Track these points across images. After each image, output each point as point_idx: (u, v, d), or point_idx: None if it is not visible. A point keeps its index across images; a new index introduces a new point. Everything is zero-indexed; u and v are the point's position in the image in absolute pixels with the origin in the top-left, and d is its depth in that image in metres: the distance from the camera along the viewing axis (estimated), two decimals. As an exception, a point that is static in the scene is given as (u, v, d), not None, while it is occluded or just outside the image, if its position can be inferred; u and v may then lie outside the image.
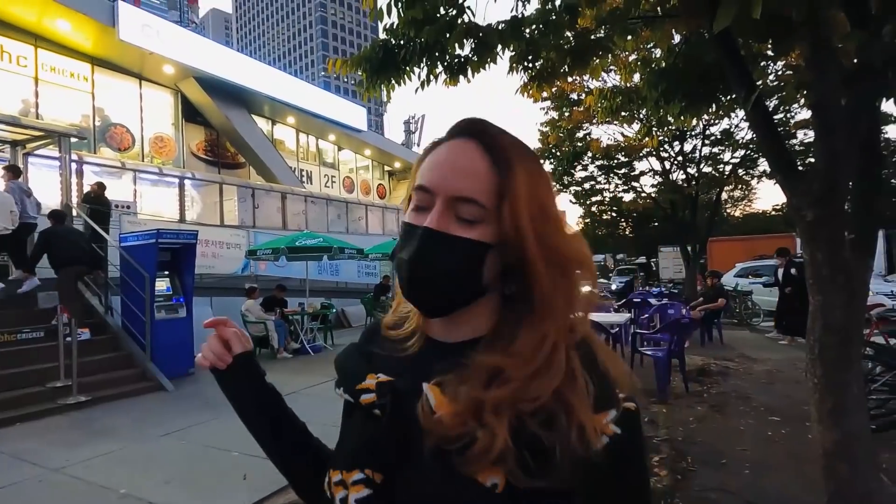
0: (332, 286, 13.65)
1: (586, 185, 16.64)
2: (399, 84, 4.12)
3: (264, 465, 3.40)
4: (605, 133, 14.04)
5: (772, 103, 10.48)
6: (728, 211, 30.95)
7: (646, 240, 29.82)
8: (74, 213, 7.79)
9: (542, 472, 0.48)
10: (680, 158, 13.68)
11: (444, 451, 0.51)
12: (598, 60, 4.68)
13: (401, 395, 0.56)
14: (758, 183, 17.38)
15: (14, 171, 7.21)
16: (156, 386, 6.22)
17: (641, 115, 7.89)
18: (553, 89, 8.68)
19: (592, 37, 4.49)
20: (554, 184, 0.63)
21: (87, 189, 8.73)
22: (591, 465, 0.48)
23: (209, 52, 14.24)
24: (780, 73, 8.99)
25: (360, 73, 4.19)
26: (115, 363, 6.48)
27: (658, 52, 6.11)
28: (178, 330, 7.09)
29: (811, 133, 12.14)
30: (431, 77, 4.17)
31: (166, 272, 7.42)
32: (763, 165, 14.01)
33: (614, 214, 23.38)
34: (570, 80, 7.83)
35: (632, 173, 15.61)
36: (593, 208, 19.99)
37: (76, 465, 3.81)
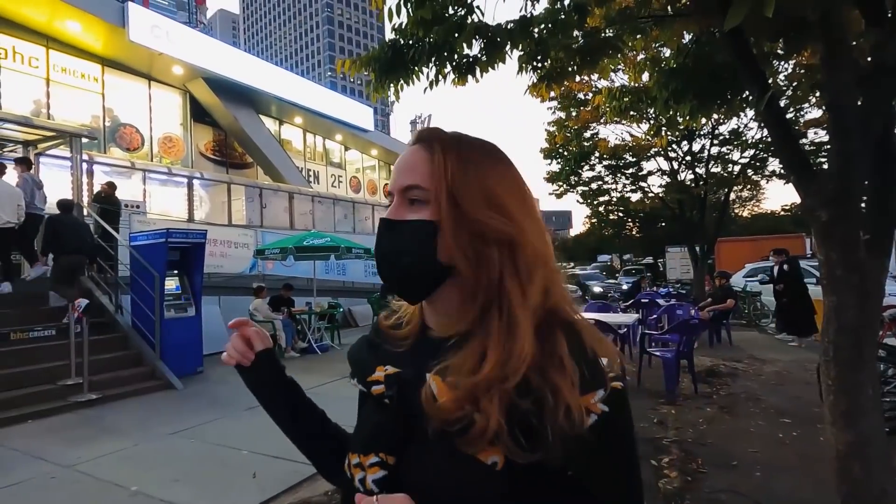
0: (339, 286, 13.70)
1: (593, 185, 16.58)
2: (408, 84, 4.13)
3: (273, 464, 3.43)
4: (613, 133, 13.99)
5: (781, 102, 10.39)
6: (736, 211, 30.71)
7: (653, 240, 29.63)
8: (85, 212, 7.87)
9: (536, 449, 0.53)
10: (688, 158, 13.60)
11: (446, 434, 0.56)
12: (607, 60, 4.67)
13: (406, 385, 0.61)
14: (767, 183, 17.23)
15: (26, 164, 7.35)
16: (165, 384, 6.27)
17: (650, 115, 7.85)
18: (561, 89, 8.66)
19: (602, 36, 4.48)
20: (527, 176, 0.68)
21: (97, 189, 8.82)
22: (581, 442, 0.52)
23: (217, 52, 14.33)
24: (790, 72, 8.91)
25: (368, 73, 4.20)
26: (125, 361, 6.54)
27: (667, 52, 6.08)
28: (187, 329, 7.14)
29: (822, 132, 12.05)
30: (440, 77, 4.17)
31: (175, 271, 7.47)
32: (773, 165, 13.90)
33: (621, 214, 23.26)
34: (578, 79, 7.81)
35: (639, 173, 15.54)
36: (600, 208, 19.90)
37: (88, 463, 3.85)
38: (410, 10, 3.72)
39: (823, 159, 12.09)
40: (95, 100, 12.83)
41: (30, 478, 3.60)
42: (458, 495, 0.55)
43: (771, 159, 13.38)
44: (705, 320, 7.86)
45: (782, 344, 8.74)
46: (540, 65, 4.44)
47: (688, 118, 4.63)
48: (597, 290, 20.92)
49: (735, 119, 11.84)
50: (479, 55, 4.11)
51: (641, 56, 6.36)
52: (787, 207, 35.07)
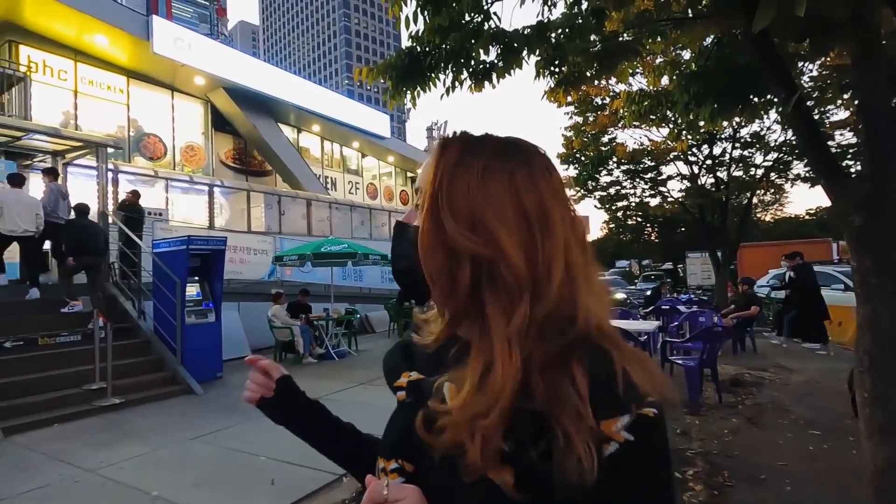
0: (356, 292, 13.76)
1: (611, 190, 16.40)
2: (425, 91, 4.13)
3: (291, 471, 3.43)
4: (631, 137, 13.83)
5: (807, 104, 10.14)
6: (759, 215, 30.06)
7: (672, 245, 29.17)
8: (110, 220, 8.07)
9: (547, 480, 0.50)
10: (709, 162, 13.37)
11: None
12: (625, 64, 4.61)
13: (425, 393, 0.60)
14: (791, 187, 16.83)
15: (53, 174, 7.59)
16: (185, 389, 6.35)
17: (670, 119, 7.74)
18: (578, 94, 8.60)
19: (620, 40, 4.43)
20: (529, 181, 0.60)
21: (122, 197, 9.04)
22: (599, 472, 0.48)
23: (238, 63, 14.62)
24: (814, 74, 8.71)
25: (386, 81, 4.22)
26: (147, 367, 6.64)
27: (687, 55, 5.99)
28: (207, 334, 7.24)
29: (848, 134, 11.73)
30: (457, 83, 4.18)
31: (196, 277, 7.59)
32: (797, 168, 13.59)
33: (640, 219, 22.94)
34: (596, 84, 7.76)
35: (658, 178, 15.31)
36: (619, 213, 19.66)
37: (110, 467, 3.91)
38: (427, 18, 3.73)
39: (850, 161, 11.76)
40: (121, 111, 13.18)
41: (54, 481, 3.67)
42: None
43: (795, 162, 13.07)
44: (729, 328, 7.68)
45: (810, 352, 8.47)
46: (557, 70, 4.41)
47: (709, 121, 4.54)
48: (619, 296, 20.65)
49: (757, 122, 11.60)
50: (495, 61, 4.10)
51: (660, 60, 6.29)
52: (811, 211, 34.20)
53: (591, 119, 12.75)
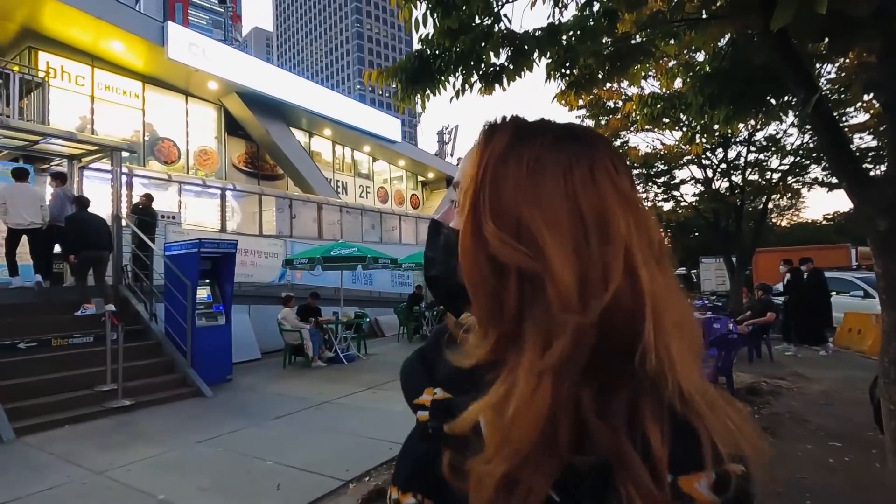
0: (366, 295, 13.77)
1: (623, 195, 16.19)
2: (434, 94, 4.11)
3: (297, 476, 3.39)
4: (644, 141, 13.69)
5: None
6: (774, 220, 29.58)
7: (686, 250, 28.79)
8: (124, 223, 8.16)
9: None
10: (723, 166, 13.17)
11: None
12: (638, 66, 4.55)
13: (454, 417, 0.49)
14: (808, 191, 16.50)
15: (61, 178, 7.69)
16: (195, 392, 6.37)
17: (684, 122, 7.63)
18: (590, 97, 8.52)
19: (632, 42, 4.37)
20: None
21: (136, 200, 9.15)
22: None
23: (251, 68, 14.78)
24: (832, 76, 8.54)
25: (395, 84, 4.21)
26: (158, 368, 6.68)
27: (700, 57, 5.90)
28: (217, 337, 7.27)
29: (867, 137, 11.48)
30: (466, 86, 4.15)
31: (207, 280, 7.64)
32: (814, 172, 13.32)
33: (652, 224, 22.60)
34: (607, 86, 7.67)
35: (672, 182, 15.12)
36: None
37: (119, 469, 3.91)
38: (437, 20, 3.71)
39: (870, 165, 11.51)
40: (136, 115, 13.38)
41: (63, 483, 3.68)
42: None
43: (813, 166, 12.82)
44: (744, 335, 7.52)
45: (828, 360, 8.27)
46: (568, 72, 4.37)
47: (724, 124, 4.45)
48: None
49: (773, 125, 11.40)
50: (505, 63, 4.07)
51: (673, 62, 6.20)
52: (829, 216, 33.57)
53: (602, 122, 12.63)
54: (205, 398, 6.27)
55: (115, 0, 11.62)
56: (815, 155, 11.87)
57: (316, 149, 18.24)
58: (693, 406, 0.43)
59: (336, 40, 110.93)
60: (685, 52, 5.90)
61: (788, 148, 12.40)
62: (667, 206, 16.95)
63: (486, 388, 0.47)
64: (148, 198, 9.09)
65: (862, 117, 10.95)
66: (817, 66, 6.67)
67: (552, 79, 4.31)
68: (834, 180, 12.55)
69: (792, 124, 10.95)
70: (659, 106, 5.18)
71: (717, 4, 3.73)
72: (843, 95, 7.80)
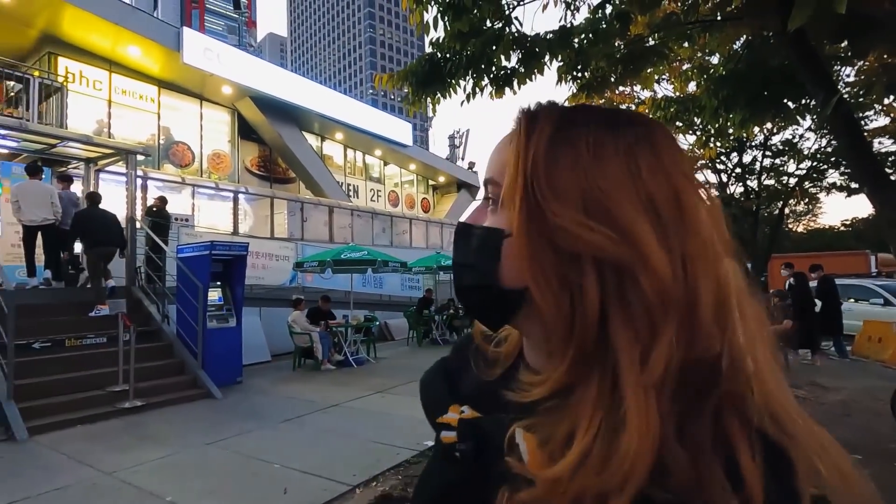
0: (376, 299, 13.79)
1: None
2: (445, 97, 4.10)
3: (305, 480, 3.36)
4: (656, 145, 13.56)
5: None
6: (790, 226, 29.09)
7: (699, 256, 28.45)
8: (138, 225, 8.26)
9: None
10: (738, 170, 13.00)
11: None
12: (651, 69, 4.50)
13: (487, 438, 0.45)
14: (826, 196, 16.23)
15: (67, 181, 7.80)
16: (205, 393, 6.40)
17: (698, 125, 7.54)
18: (601, 100, 8.45)
19: (645, 44, 4.32)
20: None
21: (150, 203, 9.26)
22: None
23: (264, 72, 14.94)
24: (851, 79, 8.38)
25: (405, 87, 4.20)
26: (169, 370, 6.73)
27: (715, 60, 5.82)
28: (228, 339, 7.31)
29: (887, 142, 11.24)
30: (477, 89, 4.13)
31: (218, 283, 7.69)
32: (832, 177, 13.09)
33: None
34: (620, 90, 7.60)
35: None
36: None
37: (128, 470, 3.93)
38: (447, 24, 3.70)
39: (890, 170, 11.26)
40: (152, 119, 13.59)
41: (73, 483, 3.70)
42: None
43: (830, 171, 12.60)
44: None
45: (847, 369, 8.07)
46: (580, 75, 4.32)
47: (739, 127, 4.38)
48: None
49: (790, 128, 11.22)
50: (516, 66, 4.04)
51: (687, 65, 6.13)
52: (847, 222, 32.96)
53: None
54: (215, 400, 6.30)
55: (133, 7, 11.83)
56: (833, 159, 11.66)
57: (328, 152, 18.36)
58: (785, 426, 0.38)
59: (349, 45, 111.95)
60: (699, 54, 5.83)
61: (806, 152, 12.20)
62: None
63: (548, 414, 0.41)
64: (162, 200, 9.20)
65: (882, 121, 10.74)
66: (835, 68, 6.54)
67: (563, 82, 4.27)
68: (853, 184, 12.31)
69: (809, 128, 10.77)
70: (672, 109, 5.11)
71: (733, 6, 3.67)
72: (861, 99, 7.64)
